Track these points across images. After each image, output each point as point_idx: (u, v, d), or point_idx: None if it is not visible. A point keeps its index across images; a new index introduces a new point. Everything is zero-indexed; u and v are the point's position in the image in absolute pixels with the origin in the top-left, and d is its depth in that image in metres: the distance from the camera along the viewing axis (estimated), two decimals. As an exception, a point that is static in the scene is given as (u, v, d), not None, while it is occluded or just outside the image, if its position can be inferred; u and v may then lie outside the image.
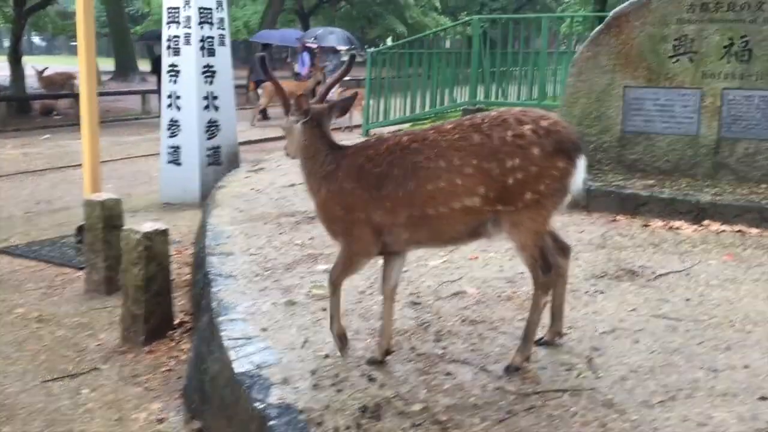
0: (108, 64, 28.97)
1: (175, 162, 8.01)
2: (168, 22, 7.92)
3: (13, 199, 8.22)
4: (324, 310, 3.15)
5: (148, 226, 4.15)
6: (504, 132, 2.42)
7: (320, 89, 3.10)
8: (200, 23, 7.79)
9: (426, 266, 3.90)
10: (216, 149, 8.07)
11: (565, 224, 4.75)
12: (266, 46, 18.21)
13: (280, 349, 2.84)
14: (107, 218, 5.00)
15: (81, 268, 5.45)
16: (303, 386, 2.53)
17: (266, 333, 2.98)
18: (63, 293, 5.03)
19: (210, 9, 7.88)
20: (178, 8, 7.83)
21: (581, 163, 2.47)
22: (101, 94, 19.17)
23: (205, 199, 7.48)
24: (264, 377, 2.59)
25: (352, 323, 3.07)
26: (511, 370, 2.58)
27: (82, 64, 6.07)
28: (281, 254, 4.23)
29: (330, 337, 2.83)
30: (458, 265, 3.89)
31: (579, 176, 2.47)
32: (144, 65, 27.16)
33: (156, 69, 16.10)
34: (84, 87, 6.06)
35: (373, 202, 2.53)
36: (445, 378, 2.57)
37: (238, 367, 2.69)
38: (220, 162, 8.09)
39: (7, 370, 3.78)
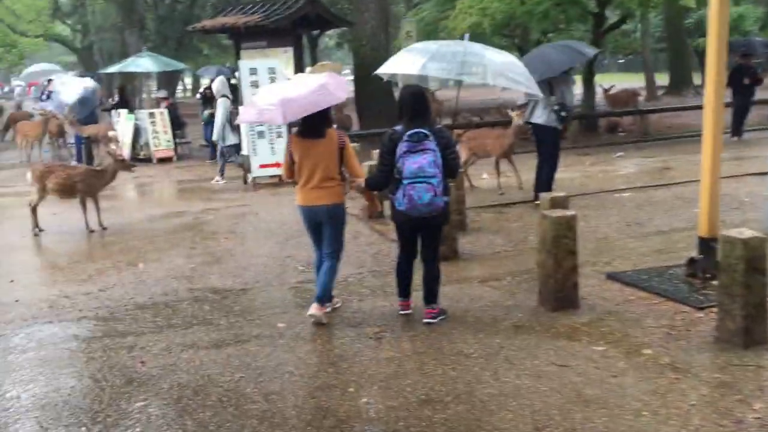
0: (662, 79, 28.47)
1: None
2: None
3: (603, 218, 8.21)
4: None
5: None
6: None
7: None
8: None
9: None
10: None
11: None
12: None
13: None
14: (749, 259, 4.33)
15: (701, 308, 4.92)
16: None
17: None
18: (688, 337, 4.54)
19: None
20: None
21: None
22: (660, 110, 18.73)
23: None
24: None
25: None
26: None
27: (710, 83, 5.55)
28: None
29: None
30: None
31: None
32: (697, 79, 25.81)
33: (732, 81, 14.83)
34: (710, 107, 5.54)
35: None
36: None
37: None
38: None
39: (660, 429, 3.41)
